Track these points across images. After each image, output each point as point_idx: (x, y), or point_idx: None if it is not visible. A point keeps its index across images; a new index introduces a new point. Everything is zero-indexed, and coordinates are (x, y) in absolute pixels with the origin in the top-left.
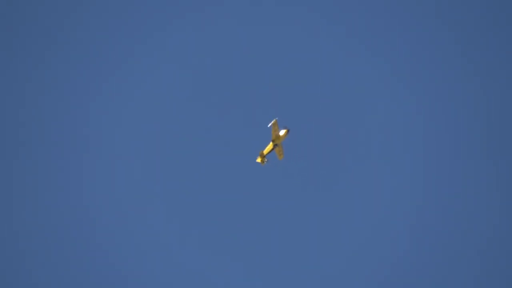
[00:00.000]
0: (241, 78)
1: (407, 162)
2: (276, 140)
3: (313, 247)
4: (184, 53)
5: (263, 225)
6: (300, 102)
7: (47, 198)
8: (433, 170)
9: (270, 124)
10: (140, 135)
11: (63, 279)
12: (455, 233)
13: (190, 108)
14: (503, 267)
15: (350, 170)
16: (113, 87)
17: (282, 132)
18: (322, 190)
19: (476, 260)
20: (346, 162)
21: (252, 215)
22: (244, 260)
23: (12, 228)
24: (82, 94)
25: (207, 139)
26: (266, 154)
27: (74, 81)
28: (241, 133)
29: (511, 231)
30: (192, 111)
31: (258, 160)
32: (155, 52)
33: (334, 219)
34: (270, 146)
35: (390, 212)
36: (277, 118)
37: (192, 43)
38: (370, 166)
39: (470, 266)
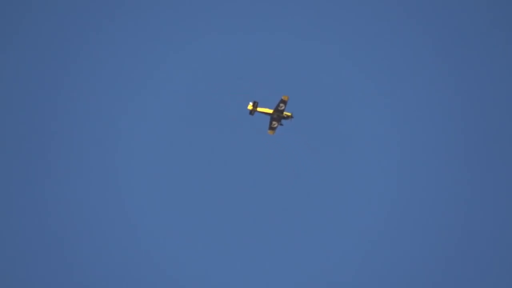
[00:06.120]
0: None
1: (404, 163)
2: (275, 112)
3: (307, 249)
4: (188, 54)
5: (260, 226)
6: (296, 102)
7: (47, 198)
8: (431, 171)
9: (283, 98)
10: (141, 135)
11: (64, 279)
12: (454, 234)
13: (192, 109)
14: (502, 267)
15: (347, 170)
16: (118, 88)
17: (286, 113)
18: (317, 190)
19: (477, 261)
20: (343, 161)
21: (252, 215)
22: (242, 260)
23: (12, 228)
24: (88, 95)
25: (210, 140)
26: (259, 112)
27: (77, 81)
28: (242, 135)
29: (510, 231)
30: (195, 112)
31: (249, 107)
32: (161, 54)
33: (330, 221)
34: (268, 111)
35: (386, 214)
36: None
37: (195, 45)
38: (366, 167)
39: (469, 267)
